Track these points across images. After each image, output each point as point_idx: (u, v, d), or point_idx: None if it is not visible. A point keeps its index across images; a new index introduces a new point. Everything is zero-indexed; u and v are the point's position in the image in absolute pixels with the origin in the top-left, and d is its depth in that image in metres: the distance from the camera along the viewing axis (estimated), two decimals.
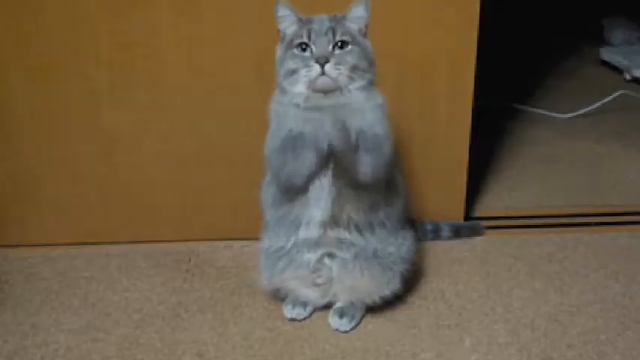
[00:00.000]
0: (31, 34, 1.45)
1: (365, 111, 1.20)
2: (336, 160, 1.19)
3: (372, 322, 1.33)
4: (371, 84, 1.22)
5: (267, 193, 1.31)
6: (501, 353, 1.24)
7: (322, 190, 1.22)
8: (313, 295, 1.33)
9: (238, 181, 1.55)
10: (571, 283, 1.45)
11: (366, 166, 1.18)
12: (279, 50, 1.24)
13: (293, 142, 1.18)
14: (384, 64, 1.27)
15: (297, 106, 1.20)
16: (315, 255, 1.29)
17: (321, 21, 1.20)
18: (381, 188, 1.26)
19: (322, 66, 1.16)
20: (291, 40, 1.20)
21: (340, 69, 1.17)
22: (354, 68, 1.18)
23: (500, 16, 2.31)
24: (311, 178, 1.21)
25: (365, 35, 1.24)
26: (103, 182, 1.57)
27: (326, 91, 1.18)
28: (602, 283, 1.45)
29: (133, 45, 1.46)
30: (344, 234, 1.27)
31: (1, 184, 1.56)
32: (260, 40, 1.42)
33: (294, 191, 1.24)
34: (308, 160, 1.18)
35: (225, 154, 1.56)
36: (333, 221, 1.25)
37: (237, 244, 1.59)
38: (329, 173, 1.21)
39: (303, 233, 1.27)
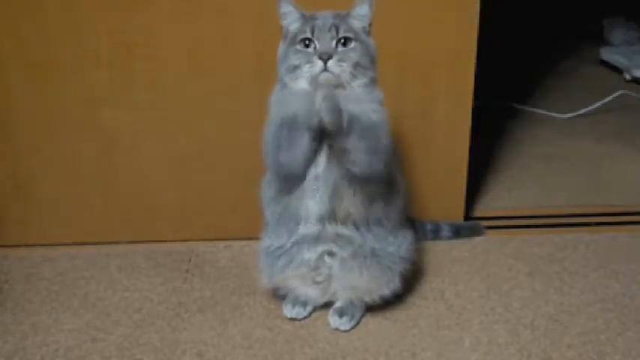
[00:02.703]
0: (31, 34, 1.45)
1: (362, 100, 1.20)
2: (330, 142, 1.19)
3: (371, 322, 1.33)
4: (373, 82, 1.23)
5: (267, 190, 1.31)
6: (501, 353, 1.24)
7: (319, 182, 1.22)
8: (313, 294, 1.33)
9: (238, 181, 1.55)
10: (571, 283, 1.45)
11: (361, 154, 1.18)
12: (281, 46, 1.24)
13: (287, 125, 1.18)
14: (384, 63, 1.27)
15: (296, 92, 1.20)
16: (315, 253, 1.29)
17: (325, 17, 1.20)
18: (379, 184, 1.25)
19: (325, 62, 1.16)
20: (294, 36, 1.20)
21: (343, 65, 1.17)
22: (356, 65, 1.19)
23: (500, 16, 2.31)
24: (306, 163, 1.21)
25: (368, 33, 1.24)
26: (103, 182, 1.57)
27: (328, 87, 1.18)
28: (602, 283, 1.45)
29: (133, 45, 1.46)
30: (342, 230, 1.27)
31: (1, 184, 1.56)
32: (260, 41, 1.42)
33: (291, 181, 1.24)
34: (301, 141, 1.18)
35: (225, 154, 1.56)
36: (331, 216, 1.25)
37: (237, 244, 1.59)
38: (324, 163, 1.21)
39: (302, 229, 1.27)
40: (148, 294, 1.43)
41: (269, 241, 1.32)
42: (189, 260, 1.55)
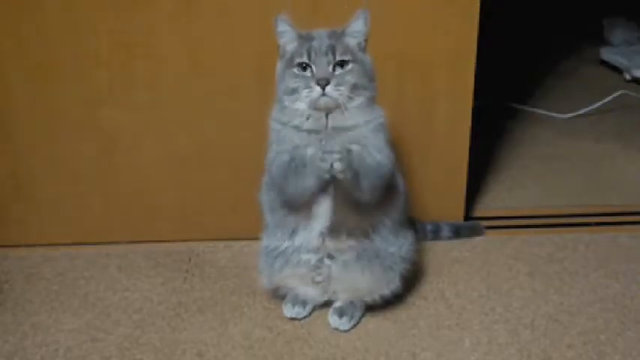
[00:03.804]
0: (31, 34, 1.45)
1: (366, 136, 1.20)
2: (336, 184, 1.20)
3: (371, 322, 1.33)
4: (371, 100, 1.22)
5: (265, 196, 1.32)
6: (501, 353, 1.24)
7: (322, 205, 1.24)
8: (313, 293, 1.33)
9: (238, 181, 1.55)
10: (571, 283, 1.45)
11: (365, 190, 1.20)
12: (279, 66, 1.24)
13: (295, 169, 1.19)
14: (384, 64, 1.26)
15: (297, 128, 1.20)
16: (315, 256, 1.29)
17: (321, 38, 1.19)
18: (381, 200, 1.26)
19: (323, 87, 1.16)
20: (291, 58, 1.20)
21: (341, 90, 1.17)
22: (354, 87, 1.19)
23: (501, 16, 2.31)
24: (313, 198, 1.22)
25: (364, 49, 1.23)
26: (103, 182, 1.57)
27: (326, 110, 1.19)
28: (602, 283, 1.45)
29: (133, 45, 1.46)
30: (343, 242, 1.28)
31: (1, 184, 1.56)
32: (260, 41, 1.42)
33: (295, 208, 1.25)
34: (310, 186, 1.19)
35: (225, 154, 1.56)
36: (332, 231, 1.26)
37: (237, 244, 1.59)
38: (330, 192, 1.22)
39: (300, 240, 1.28)
40: (148, 294, 1.43)
41: (268, 241, 1.32)
42: (189, 260, 1.55)
